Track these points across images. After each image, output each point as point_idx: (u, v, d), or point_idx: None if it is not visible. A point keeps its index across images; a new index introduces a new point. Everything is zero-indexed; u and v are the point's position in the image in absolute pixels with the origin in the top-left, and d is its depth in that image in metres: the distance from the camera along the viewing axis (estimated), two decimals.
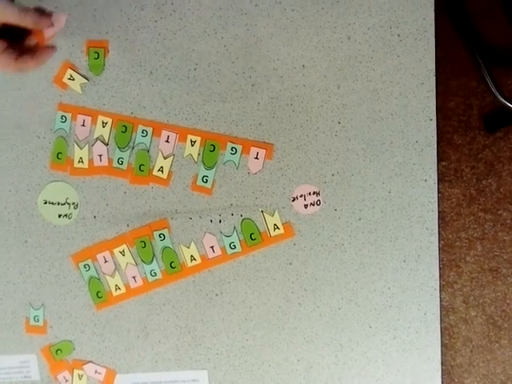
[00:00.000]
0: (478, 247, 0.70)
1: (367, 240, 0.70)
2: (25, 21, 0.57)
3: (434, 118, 0.67)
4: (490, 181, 0.69)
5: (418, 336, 0.71)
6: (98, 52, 0.70)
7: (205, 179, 0.71)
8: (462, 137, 0.68)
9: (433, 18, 0.65)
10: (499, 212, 0.69)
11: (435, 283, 0.70)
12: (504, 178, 0.69)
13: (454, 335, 0.72)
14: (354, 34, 0.66)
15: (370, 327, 0.71)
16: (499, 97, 0.66)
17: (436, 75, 0.67)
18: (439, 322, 0.71)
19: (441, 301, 0.71)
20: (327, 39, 0.66)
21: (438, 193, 0.69)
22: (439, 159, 0.68)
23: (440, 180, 0.69)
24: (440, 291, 0.71)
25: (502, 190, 0.69)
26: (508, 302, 0.70)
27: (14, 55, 0.58)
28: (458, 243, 0.70)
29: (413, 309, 0.70)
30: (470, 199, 0.69)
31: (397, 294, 0.70)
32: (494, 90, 0.66)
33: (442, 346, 0.72)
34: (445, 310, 0.71)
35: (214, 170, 0.70)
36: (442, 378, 0.72)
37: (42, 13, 0.59)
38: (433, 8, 0.65)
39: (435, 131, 0.67)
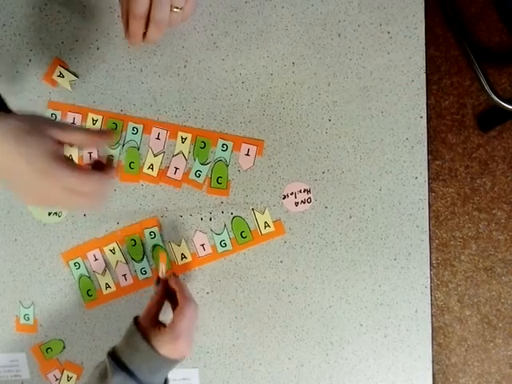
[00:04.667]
0: (473, 246, 0.73)
1: (358, 238, 0.73)
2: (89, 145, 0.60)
3: (425, 115, 0.70)
4: (484, 180, 0.72)
5: (408, 334, 0.74)
6: None
7: (198, 173, 0.74)
8: (456, 136, 0.71)
9: (423, 15, 0.68)
10: (493, 211, 0.72)
11: (426, 281, 0.73)
12: (498, 177, 0.71)
13: (448, 334, 0.75)
14: (344, 32, 0.69)
15: (361, 325, 0.75)
16: (493, 96, 0.68)
17: (430, 74, 0.70)
18: (430, 320, 0.74)
19: (435, 300, 0.74)
20: (317, 36, 0.69)
21: (432, 192, 0.72)
22: (433, 158, 0.71)
23: (434, 179, 0.72)
24: (434, 290, 0.74)
25: (496, 189, 0.72)
26: (503, 301, 0.73)
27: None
28: (452, 242, 0.73)
29: (404, 307, 0.74)
30: (464, 198, 0.72)
31: (387, 291, 0.73)
32: (487, 88, 0.68)
33: (436, 345, 0.75)
34: (439, 310, 0.74)
35: (208, 166, 0.73)
36: (436, 377, 0.75)
37: (101, 134, 0.61)
38: (423, 5, 0.68)
39: (425, 129, 0.70)
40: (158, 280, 0.71)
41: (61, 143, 0.55)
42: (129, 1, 0.62)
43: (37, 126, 0.53)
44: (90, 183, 0.55)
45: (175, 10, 0.63)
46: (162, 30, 0.64)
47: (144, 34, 0.64)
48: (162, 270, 0.71)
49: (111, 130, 0.70)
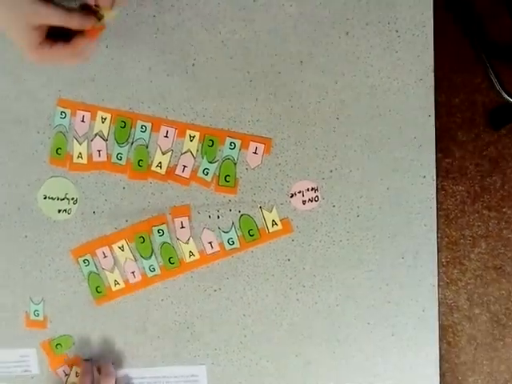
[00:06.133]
0: (483, 245, 0.74)
1: (365, 236, 0.74)
2: (70, 23, 0.60)
3: (433, 114, 0.71)
4: (494, 178, 0.72)
5: (416, 332, 0.75)
6: None
7: (205, 172, 0.75)
8: (466, 133, 0.72)
9: (431, 13, 0.69)
10: (504, 209, 0.73)
11: (434, 280, 0.74)
12: (508, 175, 0.72)
13: (458, 333, 0.76)
14: (352, 30, 0.70)
15: (368, 324, 0.76)
16: (503, 93, 0.69)
17: (439, 72, 0.70)
18: (437, 318, 0.75)
19: (445, 298, 0.75)
20: (325, 35, 0.70)
21: (442, 190, 0.73)
22: (443, 156, 0.72)
23: (444, 177, 0.73)
24: (444, 289, 0.75)
25: (506, 187, 0.72)
26: None
27: (48, 46, 0.61)
28: (462, 241, 0.74)
29: (411, 305, 0.75)
30: (474, 196, 0.73)
31: (395, 290, 0.75)
32: (497, 86, 0.69)
33: (445, 343, 0.76)
34: (449, 308, 0.75)
35: (215, 164, 0.75)
36: (445, 376, 0.76)
37: (87, 12, 0.62)
38: (431, 3, 0.68)
39: (434, 127, 0.71)
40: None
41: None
42: None
43: (20, 18, 0.58)
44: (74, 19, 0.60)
45: None
46: None
47: None
48: None
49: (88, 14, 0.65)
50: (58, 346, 0.82)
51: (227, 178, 0.75)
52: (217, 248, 0.77)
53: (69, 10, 0.60)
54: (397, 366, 0.77)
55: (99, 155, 0.77)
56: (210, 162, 0.75)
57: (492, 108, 0.71)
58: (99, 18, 0.63)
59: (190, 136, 0.75)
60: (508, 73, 0.70)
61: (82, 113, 0.76)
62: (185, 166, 0.75)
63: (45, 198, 0.79)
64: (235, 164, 0.75)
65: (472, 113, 0.72)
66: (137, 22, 0.74)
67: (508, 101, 0.69)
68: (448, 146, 0.73)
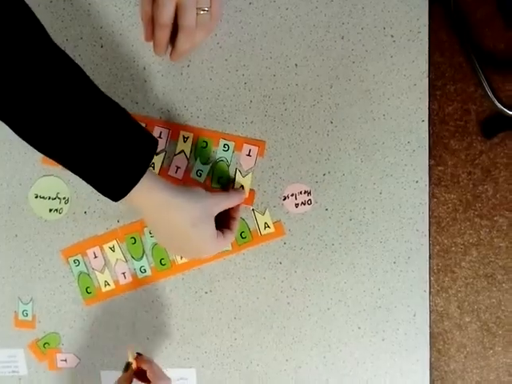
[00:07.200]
0: (474, 253, 0.74)
1: (357, 240, 0.74)
2: (233, 203, 0.72)
3: (426, 119, 0.71)
4: (486, 186, 0.73)
5: (406, 338, 0.75)
6: None
7: (199, 173, 0.75)
8: (458, 142, 0.72)
9: (427, 19, 0.69)
10: (495, 218, 0.73)
11: (425, 285, 0.74)
12: (500, 183, 0.72)
13: (447, 341, 0.76)
14: (348, 34, 0.70)
15: (359, 328, 0.76)
16: (496, 102, 0.69)
17: (434, 80, 0.71)
18: (428, 324, 0.75)
19: (435, 306, 0.75)
20: (321, 38, 0.71)
21: (434, 197, 0.73)
22: (436, 164, 0.72)
23: (436, 185, 0.73)
24: (434, 296, 0.75)
25: (498, 195, 0.72)
26: (503, 308, 0.74)
27: (220, 233, 0.70)
28: (453, 248, 0.74)
29: (402, 310, 0.74)
30: (466, 205, 0.73)
31: (386, 295, 0.74)
32: (491, 95, 0.69)
33: (435, 351, 0.75)
34: (439, 316, 0.75)
35: (209, 166, 0.75)
36: (433, 383, 0.76)
37: (237, 189, 0.74)
38: (427, 9, 0.69)
39: (427, 132, 0.71)
40: (127, 366, 0.74)
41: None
42: (153, 7, 0.64)
43: (206, 211, 0.66)
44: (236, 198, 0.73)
45: (202, 12, 0.64)
46: (192, 37, 0.66)
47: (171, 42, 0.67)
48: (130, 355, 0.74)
49: (240, 190, 0.75)
50: (46, 345, 0.81)
51: (220, 180, 0.75)
52: None
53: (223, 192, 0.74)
54: (387, 371, 0.76)
55: None
56: (204, 164, 0.75)
57: (485, 117, 0.72)
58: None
59: (184, 137, 0.75)
60: (501, 82, 0.70)
61: None
62: (178, 167, 0.75)
63: (36, 197, 0.78)
64: (228, 166, 0.74)
65: (465, 121, 0.72)
66: (132, 22, 0.73)
67: (501, 110, 0.70)
68: (440, 154, 0.73)
